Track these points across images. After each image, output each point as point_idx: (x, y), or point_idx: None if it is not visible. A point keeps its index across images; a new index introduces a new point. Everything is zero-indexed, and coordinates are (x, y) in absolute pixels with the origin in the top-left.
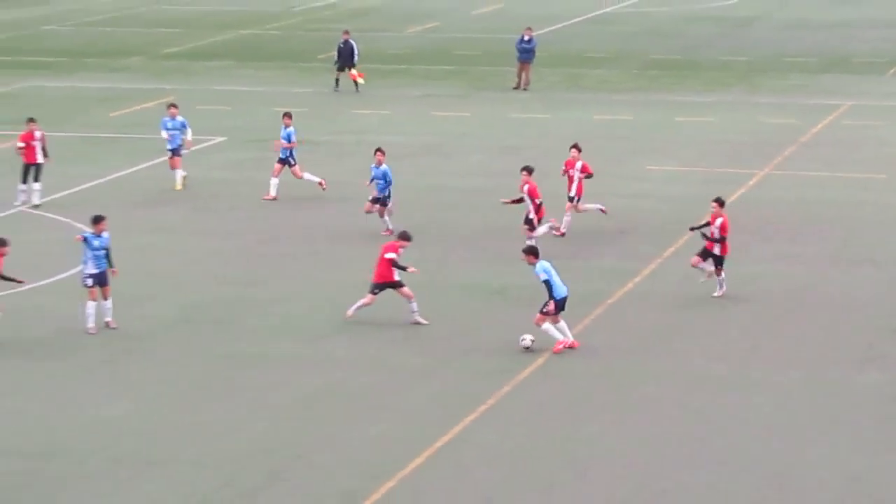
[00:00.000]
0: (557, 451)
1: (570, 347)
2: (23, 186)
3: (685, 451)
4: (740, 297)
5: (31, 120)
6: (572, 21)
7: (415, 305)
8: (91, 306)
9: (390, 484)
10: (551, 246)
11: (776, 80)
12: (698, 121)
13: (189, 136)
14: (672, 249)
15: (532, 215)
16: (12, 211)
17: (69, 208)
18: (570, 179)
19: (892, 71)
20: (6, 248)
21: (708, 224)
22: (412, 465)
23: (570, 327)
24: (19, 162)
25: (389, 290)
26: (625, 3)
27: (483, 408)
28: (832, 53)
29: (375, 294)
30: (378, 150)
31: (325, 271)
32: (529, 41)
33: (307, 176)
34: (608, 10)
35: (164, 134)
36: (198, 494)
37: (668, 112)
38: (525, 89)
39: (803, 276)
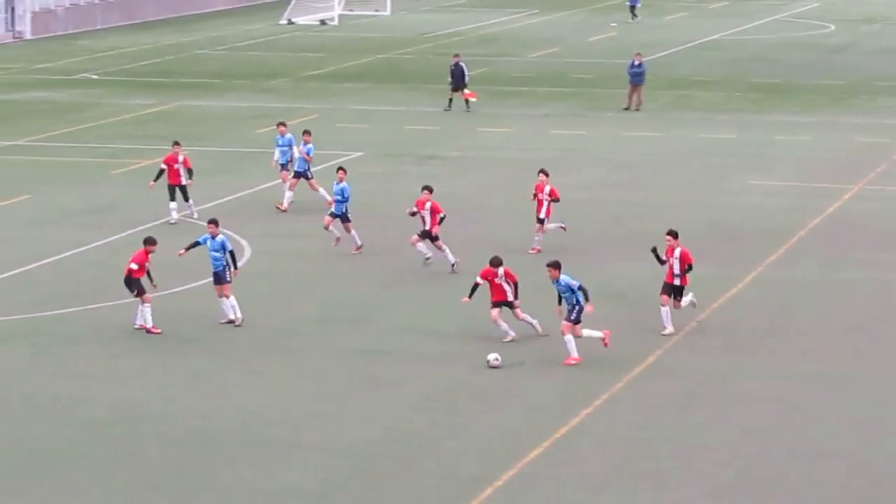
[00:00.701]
0: (666, 441)
1: (573, 362)
2: (173, 205)
3: (784, 443)
4: (838, 301)
5: (176, 143)
6: (681, 47)
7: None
8: (223, 302)
9: (512, 472)
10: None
11: (868, 101)
12: (796, 139)
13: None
14: (773, 258)
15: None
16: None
17: (221, 217)
18: (539, 203)
19: None
20: (153, 247)
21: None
22: (532, 454)
23: (684, 327)
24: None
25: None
26: (729, 31)
27: (598, 402)
28: None
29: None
30: (339, 168)
31: (451, 276)
32: (640, 65)
33: (322, 191)
34: (714, 37)
35: (276, 152)
36: (335, 479)
37: (768, 131)
38: (637, 110)
39: None
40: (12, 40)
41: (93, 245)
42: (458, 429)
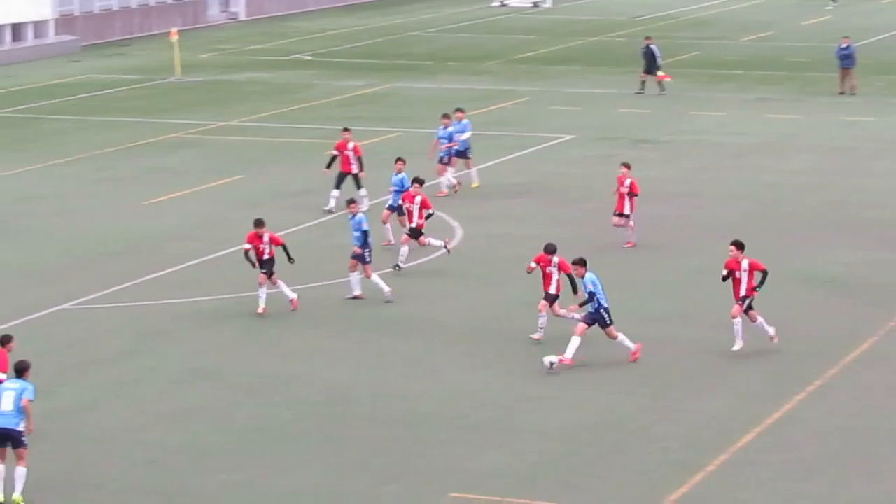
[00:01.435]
0: (881, 429)
1: (564, 363)
2: (335, 192)
3: None
4: None
5: (346, 130)
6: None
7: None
8: (353, 276)
9: (723, 457)
10: (862, 249)
11: None
12: None
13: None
14: None
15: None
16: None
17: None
18: (621, 196)
19: None
20: (261, 229)
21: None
22: (744, 440)
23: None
24: (383, 159)
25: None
26: None
27: (811, 388)
28: None
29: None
30: (398, 159)
31: (667, 259)
32: (847, 48)
33: (450, 176)
34: None
35: (463, 136)
36: (545, 462)
37: None
38: (852, 94)
39: None
40: (227, 21)
41: (304, 226)
42: (668, 413)
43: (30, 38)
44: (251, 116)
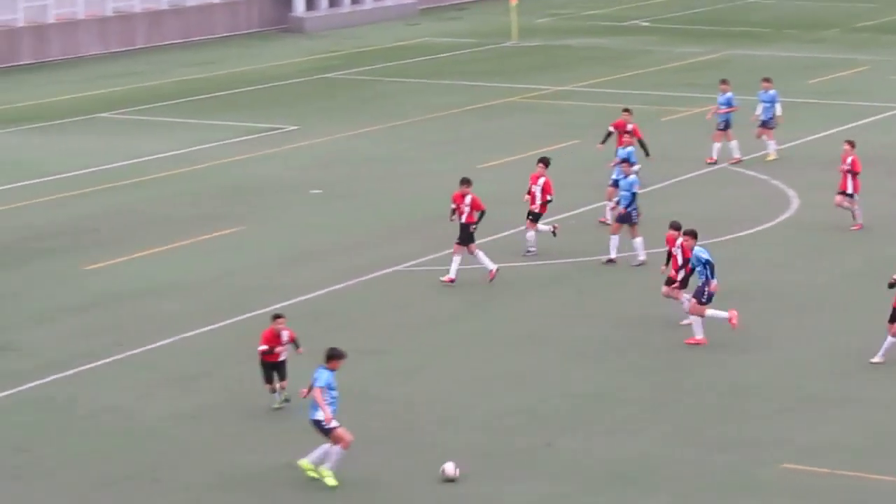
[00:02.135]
0: None
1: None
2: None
3: None
4: None
5: (626, 110)
6: None
7: None
8: (613, 239)
9: None
10: None
11: None
12: None
13: (779, 111)
14: None
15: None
16: (715, 168)
17: (774, 167)
18: (844, 175)
19: None
20: (467, 188)
21: None
22: None
23: None
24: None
25: None
26: None
27: None
28: None
29: None
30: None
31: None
32: None
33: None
34: None
35: (759, 107)
36: (879, 435)
37: None
38: None
39: None
40: None
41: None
42: None
43: (369, 1)
44: (587, 82)
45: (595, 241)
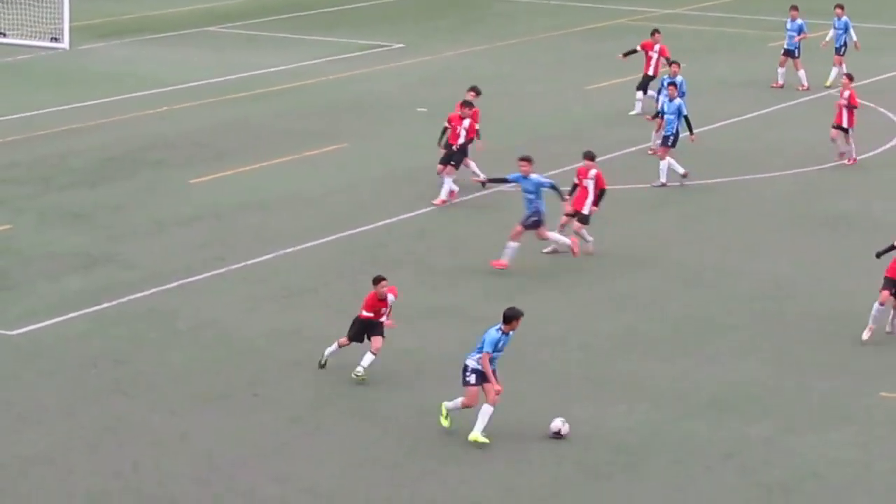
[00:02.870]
0: None
1: None
2: (639, 94)
3: None
4: None
5: (655, 31)
6: None
7: None
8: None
9: None
10: None
11: None
12: None
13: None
14: None
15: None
16: (822, 95)
17: (876, 94)
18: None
19: None
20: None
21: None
22: None
23: None
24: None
25: None
26: None
27: None
28: None
29: None
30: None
31: None
32: None
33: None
34: None
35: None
36: None
37: None
38: None
39: None
40: None
41: (748, 116)
42: None
43: None
44: (695, 5)
45: (703, 165)
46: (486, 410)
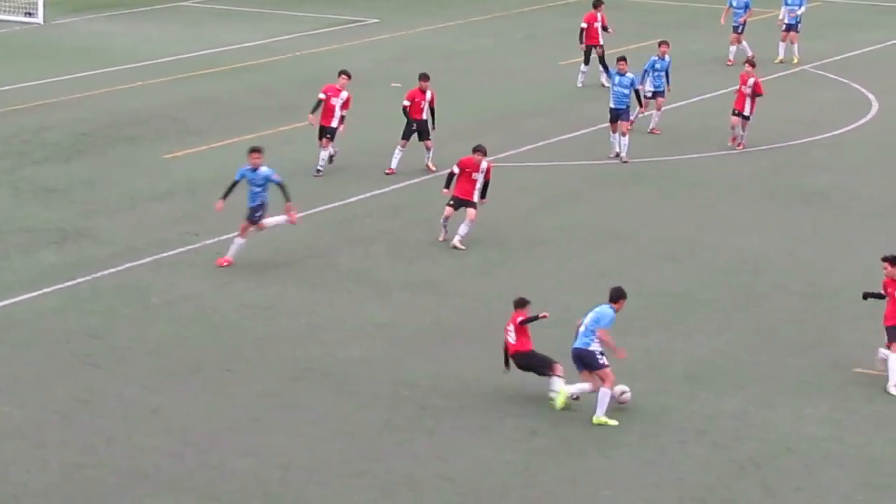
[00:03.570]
0: None
1: None
2: (584, 68)
3: None
4: None
5: (597, 5)
6: None
7: None
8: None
9: None
10: None
11: None
12: None
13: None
14: None
15: None
16: (795, 70)
17: (850, 70)
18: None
19: None
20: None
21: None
22: None
23: None
24: None
25: None
26: None
27: None
28: None
29: None
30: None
31: None
32: None
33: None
34: None
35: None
36: None
37: None
38: None
39: None
40: None
41: (721, 91)
42: None
43: None
44: None
45: (681, 139)
46: (605, 393)
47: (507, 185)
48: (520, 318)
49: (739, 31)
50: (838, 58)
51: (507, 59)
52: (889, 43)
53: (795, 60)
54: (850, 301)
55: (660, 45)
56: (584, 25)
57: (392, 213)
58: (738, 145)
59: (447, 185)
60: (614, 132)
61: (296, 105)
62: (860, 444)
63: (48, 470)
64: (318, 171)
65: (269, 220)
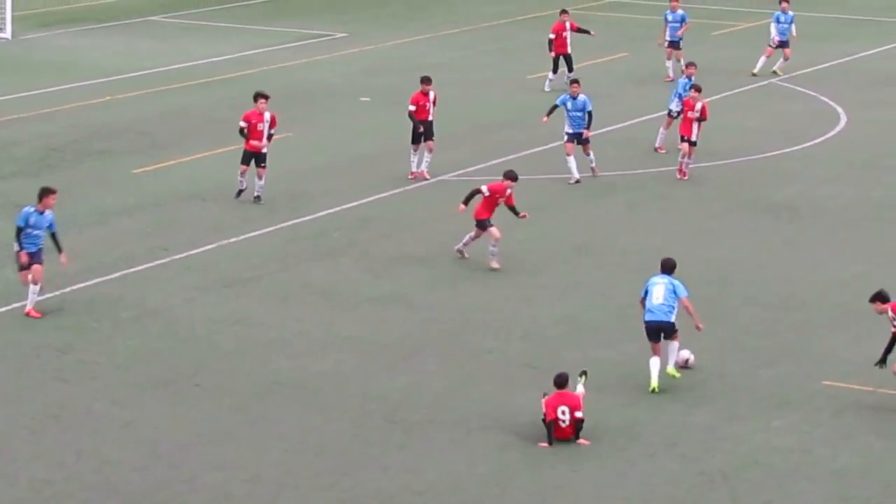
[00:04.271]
0: None
1: None
2: (551, 75)
3: None
4: None
5: (564, 11)
6: None
7: None
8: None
9: None
10: None
11: None
12: None
13: (794, 32)
14: None
15: None
16: (765, 83)
17: (818, 82)
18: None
19: None
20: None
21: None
22: None
23: None
24: None
25: None
26: None
27: None
28: None
29: None
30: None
31: None
32: None
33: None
34: None
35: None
36: None
37: None
38: None
39: None
40: None
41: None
42: None
43: None
44: None
45: (649, 152)
46: (674, 346)
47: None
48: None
49: (677, 45)
50: (807, 70)
51: (476, 72)
52: (857, 56)
53: (779, 73)
54: (819, 313)
55: (686, 66)
56: (552, 36)
57: (360, 226)
58: (683, 175)
59: (466, 202)
60: (569, 154)
61: None
62: (829, 457)
63: (17, 485)
64: (240, 191)
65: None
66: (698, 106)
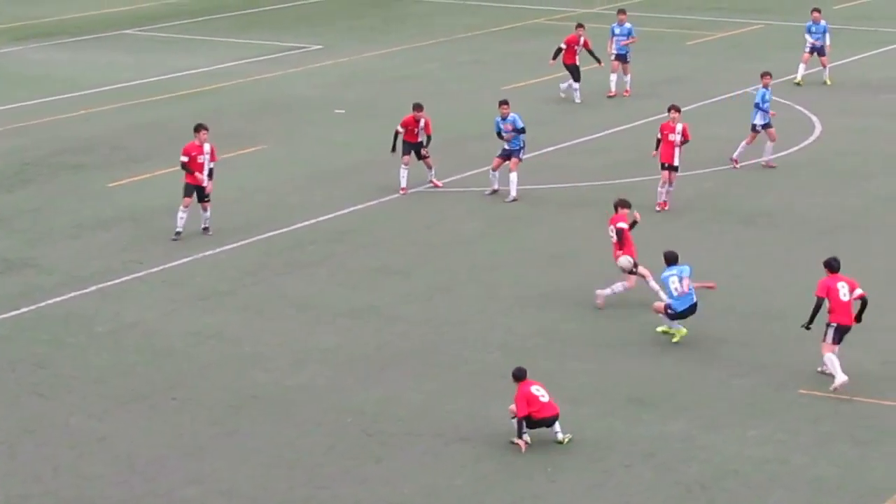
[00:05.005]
0: None
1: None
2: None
3: None
4: None
5: (579, 26)
6: None
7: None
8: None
9: None
10: None
11: None
12: None
13: (828, 41)
14: None
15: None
16: (739, 93)
17: (793, 91)
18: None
19: None
20: (419, 112)
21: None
22: None
23: None
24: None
25: None
26: None
27: None
28: None
29: None
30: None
31: None
32: None
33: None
34: None
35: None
36: None
37: None
38: None
39: None
40: None
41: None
42: None
43: None
44: (614, 4)
45: (622, 163)
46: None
47: (452, 210)
48: None
49: (625, 59)
50: (781, 80)
51: (451, 83)
52: (831, 65)
53: (828, 83)
54: (795, 322)
55: (762, 76)
56: (563, 46)
57: (336, 238)
58: (664, 206)
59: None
60: (495, 169)
61: (240, 131)
62: (805, 465)
63: None
64: (178, 233)
65: None
66: (679, 128)
